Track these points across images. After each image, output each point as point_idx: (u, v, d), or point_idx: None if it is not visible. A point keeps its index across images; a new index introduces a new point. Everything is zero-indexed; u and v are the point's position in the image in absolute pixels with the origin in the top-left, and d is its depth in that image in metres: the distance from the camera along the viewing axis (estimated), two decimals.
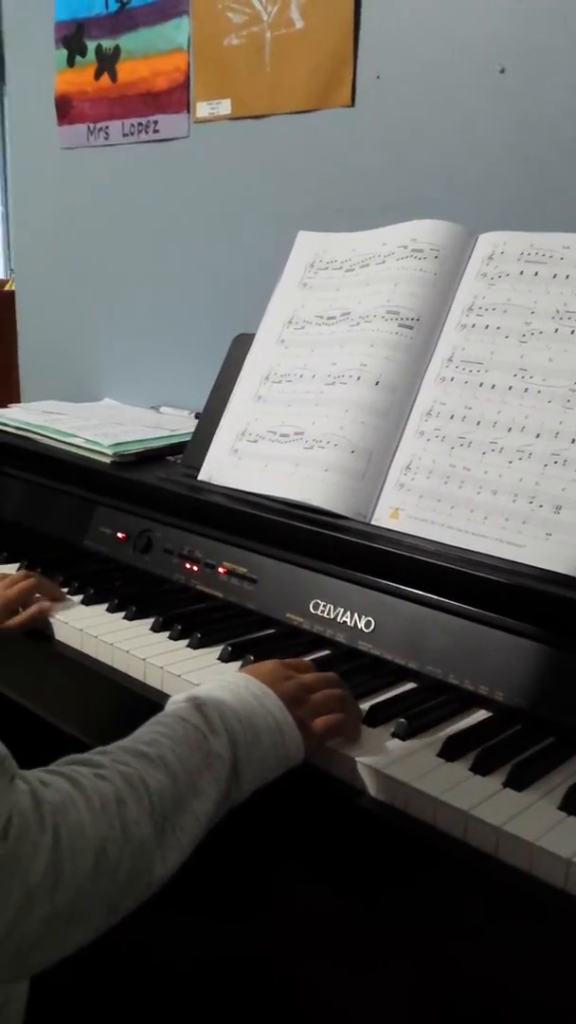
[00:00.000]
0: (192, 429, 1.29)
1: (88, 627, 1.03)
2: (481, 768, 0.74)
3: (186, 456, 1.24)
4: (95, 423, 1.46)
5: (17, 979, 0.58)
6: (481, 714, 0.85)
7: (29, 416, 1.48)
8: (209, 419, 1.21)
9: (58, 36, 1.84)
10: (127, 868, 0.62)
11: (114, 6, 1.72)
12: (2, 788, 0.57)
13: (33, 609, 1.07)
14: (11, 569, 1.23)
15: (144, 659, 0.94)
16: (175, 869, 0.66)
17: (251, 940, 0.98)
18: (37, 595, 1.09)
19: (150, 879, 0.64)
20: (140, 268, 1.79)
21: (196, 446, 1.22)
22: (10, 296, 2.20)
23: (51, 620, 1.07)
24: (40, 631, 1.07)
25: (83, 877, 0.59)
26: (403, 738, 0.79)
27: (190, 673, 0.91)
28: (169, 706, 0.76)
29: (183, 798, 0.67)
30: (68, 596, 1.12)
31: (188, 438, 1.27)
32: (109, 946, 0.64)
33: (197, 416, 1.46)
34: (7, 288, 3.20)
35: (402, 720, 0.80)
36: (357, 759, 0.76)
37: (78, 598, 1.11)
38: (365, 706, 0.84)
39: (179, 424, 1.50)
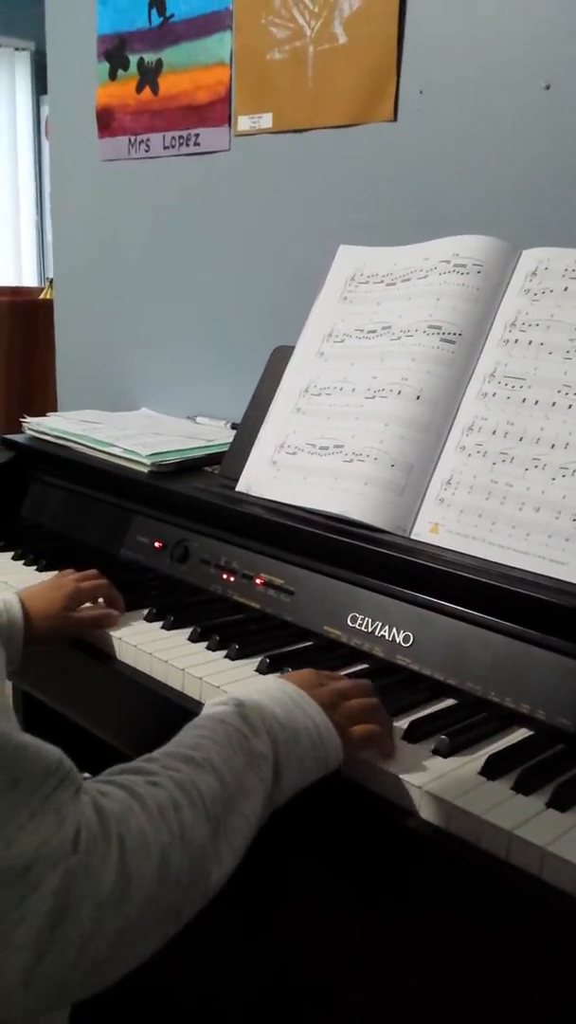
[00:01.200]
0: (228, 440, 1.29)
1: (126, 635, 1.03)
2: (524, 787, 0.73)
3: (224, 467, 1.24)
4: (132, 433, 1.46)
5: (90, 993, 0.58)
6: (522, 732, 0.84)
7: (67, 425, 1.49)
8: (247, 430, 1.22)
9: (100, 50, 1.86)
10: (188, 873, 0.62)
11: (157, 20, 1.74)
12: (68, 800, 0.57)
13: (103, 612, 1.07)
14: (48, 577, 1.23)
15: (183, 669, 0.95)
16: (230, 873, 0.66)
17: (272, 944, 0.97)
18: (100, 600, 1.09)
19: (207, 884, 0.64)
20: (178, 279, 1.80)
21: (234, 457, 1.22)
22: (47, 305, 2.22)
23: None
24: (78, 638, 1.08)
25: (149, 886, 0.59)
26: (444, 755, 0.79)
27: (229, 684, 0.91)
28: (207, 709, 0.75)
29: (232, 799, 0.66)
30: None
31: (225, 449, 1.28)
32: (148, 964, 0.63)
33: (233, 427, 1.46)
34: (43, 297, 3.23)
35: (443, 737, 0.80)
36: (400, 776, 0.75)
37: None
38: (404, 722, 0.83)
39: (216, 435, 1.50)
